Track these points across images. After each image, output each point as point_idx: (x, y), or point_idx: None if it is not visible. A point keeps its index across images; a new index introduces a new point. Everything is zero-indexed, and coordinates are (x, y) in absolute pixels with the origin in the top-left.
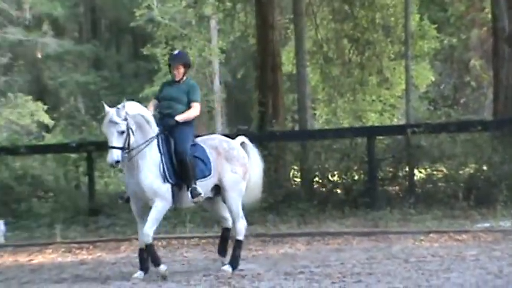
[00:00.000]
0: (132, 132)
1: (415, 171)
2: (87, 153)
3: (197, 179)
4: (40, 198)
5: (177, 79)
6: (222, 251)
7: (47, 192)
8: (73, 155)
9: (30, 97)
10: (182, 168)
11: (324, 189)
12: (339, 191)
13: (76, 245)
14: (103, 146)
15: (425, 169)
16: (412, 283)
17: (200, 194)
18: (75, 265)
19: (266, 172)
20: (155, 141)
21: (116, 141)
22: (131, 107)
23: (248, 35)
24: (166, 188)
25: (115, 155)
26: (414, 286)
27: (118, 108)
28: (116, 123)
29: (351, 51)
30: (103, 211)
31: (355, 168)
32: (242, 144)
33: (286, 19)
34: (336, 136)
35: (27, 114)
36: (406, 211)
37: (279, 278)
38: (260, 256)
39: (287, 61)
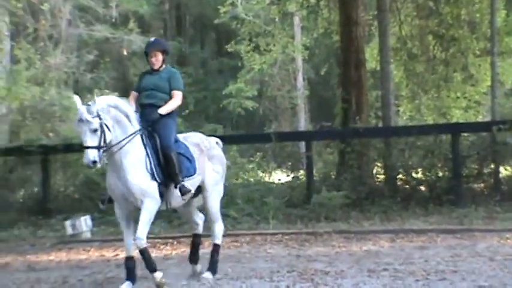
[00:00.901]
0: (108, 128)
1: (501, 168)
2: None
3: (184, 177)
4: None
5: (156, 67)
6: (193, 259)
7: None
8: None
9: (116, 94)
10: (168, 165)
11: (407, 186)
12: (422, 188)
13: (160, 240)
14: None
15: (511, 167)
16: (497, 281)
17: (190, 190)
18: (160, 260)
19: (349, 169)
20: (138, 137)
21: (89, 140)
22: (104, 102)
23: (332, 32)
24: (154, 187)
25: (91, 155)
26: (500, 284)
27: (88, 105)
28: (88, 121)
29: (436, 48)
30: None
31: (440, 165)
32: (217, 143)
33: (370, 15)
34: (419, 133)
35: None
36: (492, 209)
37: (362, 275)
38: (343, 253)
39: (371, 58)
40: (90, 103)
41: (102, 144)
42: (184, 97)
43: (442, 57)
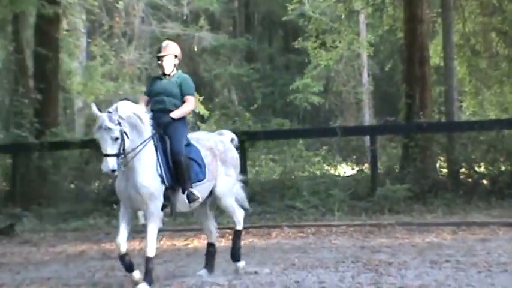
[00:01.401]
0: (127, 135)
1: None
2: (240, 143)
3: (192, 182)
4: None
5: (167, 72)
6: (209, 267)
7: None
8: None
9: None
10: (178, 170)
11: (470, 180)
12: (485, 182)
13: (229, 231)
14: (255, 136)
15: None
16: None
17: (198, 198)
18: (228, 250)
19: (412, 162)
20: (151, 142)
21: (110, 148)
22: (124, 109)
23: (396, 29)
24: (161, 191)
25: (110, 163)
26: None
27: (110, 113)
28: (109, 129)
29: (499, 44)
30: (255, 199)
31: (502, 159)
32: (232, 141)
33: (434, 13)
34: (482, 128)
35: None
36: None
37: (424, 266)
38: (406, 244)
39: (434, 54)
40: (111, 110)
41: (121, 151)
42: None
43: (505, 53)
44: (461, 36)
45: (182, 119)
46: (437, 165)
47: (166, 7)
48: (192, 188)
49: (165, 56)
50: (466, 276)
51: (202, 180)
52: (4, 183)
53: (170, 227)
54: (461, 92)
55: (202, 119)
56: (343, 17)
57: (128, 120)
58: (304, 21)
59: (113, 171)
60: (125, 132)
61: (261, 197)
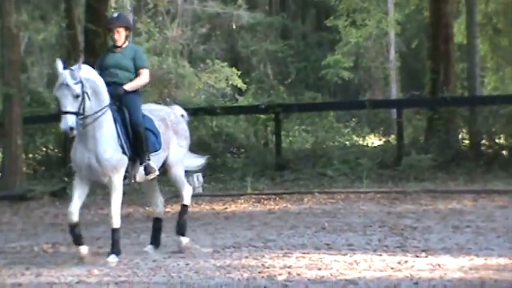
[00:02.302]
0: (88, 96)
1: None
2: (274, 114)
3: (150, 153)
4: (233, 154)
5: (119, 44)
6: (154, 242)
7: (239, 148)
8: (262, 116)
9: (225, 63)
10: (137, 141)
11: (490, 150)
12: (504, 152)
13: (264, 196)
14: (289, 108)
15: None
16: None
17: (154, 171)
18: (264, 214)
19: (436, 134)
20: (109, 111)
21: (70, 105)
22: (87, 70)
23: (422, 8)
24: (124, 162)
25: (69, 120)
26: None
27: (72, 70)
28: (71, 86)
29: None
30: (288, 166)
31: None
32: (182, 116)
33: None
34: (503, 102)
35: (223, 78)
36: None
37: (447, 231)
38: (430, 210)
39: (458, 32)
40: (73, 68)
41: (81, 111)
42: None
43: None
44: (484, 16)
45: (137, 91)
46: (460, 136)
47: None
48: (149, 159)
49: (116, 27)
50: (486, 240)
51: (158, 150)
52: (57, 150)
53: (209, 192)
54: (483, 68)
55: (240, 91)
56: None
57: (89, 82)
58: (336, 1)
59: (71, 128)
60: (86, 93)
61: (294, 165)
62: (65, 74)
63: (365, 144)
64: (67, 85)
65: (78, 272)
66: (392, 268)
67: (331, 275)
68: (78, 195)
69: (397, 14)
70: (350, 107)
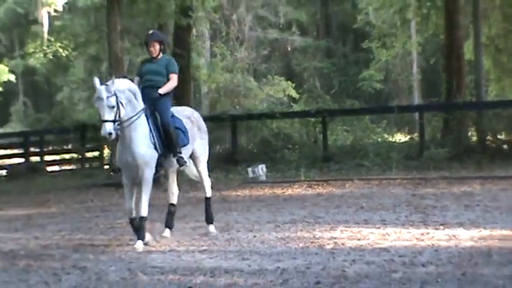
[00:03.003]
0: (123, 105)
1: None
2: (322, 118)
3: (180, 147)
4: (289, 149)
5: (154, 55)
6: (168, 224)
7: (294, 145)
8: (312, 119)
9: (282, 78)
10: (168, 139)
11: (494, 145)
12: (505, 146)
13: (314, 182)
14: (333, 113)
15: None
16: None
17: (186, 162)
18: (314, 196)
19: (451, 132)
20: (143, 115)
21: (107, 115)
22: (120, 83)
23: (439, 33)
24: (155, 158)
25: (107, 127)
26: None
27: (107, 85)
28: (106, 98)
29: None
30: (333, 159)
31: None
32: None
33: (467, 21)
34: (504, 106)
35: (281, 90)
36: None
37: (460, 209)
38: (446, 193)
39: (467, 51)
40: (108, 83)
41: (116, 118)
42: (179, 78)
43: None
44: (487, 38)
45: (168, 94)
46: (469, 134)
47: (268, 18)
48: (181, 153)
49: (151, 42)
50: (492, 216)
51: (186, 144)
52: None
53: (271, 180)
54: (488, 79)
55: (294, 100)
56: (398, 24)
57: (124, 93)
58: (369, 28)
59: (110, 134)
60: (121, 102)
61: (337, 157)
62: (100, 89)
63: (393, 140)
64: (103, 98)
65: (169, 242)
66: (416, 238)
67: (368, 244)
68: (129, 190)
69: (418, 37)
70: (381, 111)
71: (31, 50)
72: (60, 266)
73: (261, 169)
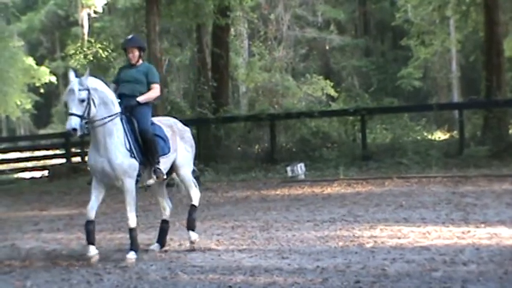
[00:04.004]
0: (94, 103)
1: None
2: (360, 116)
3: (160, 155)
4: (328, 148)
5: (133, 62)
6: (161, 242)
7: (332, 144)
8: (351, 117)
9: (321, 77)
10: (147, 146)
11: None
12: None
13: (353, 181)
14: (372, 111)
15: None
16: None
17: (163, 174)
18: (353, 195)
19: (491, 130)
20: (118, 119)
21: (75, 108)
22: (95, 81)
23: (478, 30)
24: (135, 166)
25: (73, 122)
26: None
27: (80, 79)
28: (78, 91)
29: None
30: (372, 157)
31: None
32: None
33: (507, 17)
34: None
35: (319, 88)
36: None
37: (501, 207)
38: (487, 191)
39: (507, 48)
40: (83, 78)
41: (85, 115)
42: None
43: None
44: None
45: (148, 103)
46: (510, 131)
47: (306, 17)
48: (159, 163)
49: (130, 48)
50: None
51: (167, 153)
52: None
53: (310, 178)
54: None
55: (333, 99)
56: (437, 21)
57: (97, 92)
58: (408, 25)
59: (74, 129)
60: (93, 100)
61: (376, 156)
62: (74, 81)
63: (433, 138)
64: (74, 90)
65: (209, 241)
66: (457, 237)
67: (409, 243)
68: (96, 196)
69: (457, 34)
70: (420, 109)
71: (71, 52)
72: (102, 265)
73: (300, 168)
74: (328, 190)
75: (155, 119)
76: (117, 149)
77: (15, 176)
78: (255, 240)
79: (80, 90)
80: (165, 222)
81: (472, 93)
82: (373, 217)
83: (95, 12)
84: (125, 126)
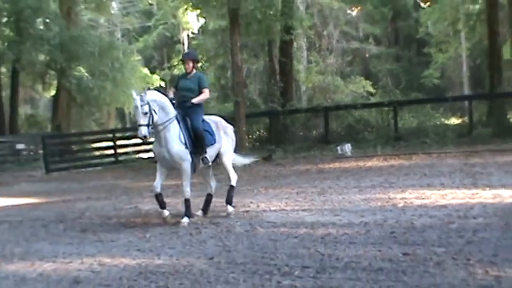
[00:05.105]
0: (155, 112)
1: None
2: (393, 107)
3: (207, 146)
4: (368, 131)
5: (188, 71)
6: (204, 209)
7: (372, 128)
8: (386, 108)
9: (362, 77)
10: (197, 139)
11: None
12: None
13: (388, 156)
14: (402, 103)
15: None
16: None
17: (208, 162)
18: (388, 167)
19: (493, 115)
20: (175, 120)
21: (142, 120)
22: (151, 94)
23: (483, 39)
24: (187, 153)
25: (142, 131)
26: None
27: (141, 95)
28: (141, 106)
29: None
30: (402, 138)
31: None
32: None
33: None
34: None
35: (361, 86)
36: None
37: (503, 175)
38: (491, 162)
39: (505, 52)
40: (142, 94)
41: (150, 123)
42: (212, 88)
43: None
44: None
45: (200, 104)
46: (508, 116)
47: (350, 32)
48: (206, 153)
49: (187, 60)
50: None
51: (213, 143)
52: (265, 133)
53: (355, 155)
54: None
55: (371, 94)
56: (451, 33)
57: (156, 102)
58: (429, 37)
59: (145, 136)
60: (154, 110)
61: (405, 137)
62: (136, 99)
63: (449, 123)
64: (138, 107)
65: (279, 203)
66: (468, 197)
67: (431, 202)
68: (160, 175)
69: (467, 43)
70: (439, 101)
71: (175, 63)
72: (201, 222)
73: (347, 147)
74: (369, 164)
75: (205, 117)
76: (174, 141)
77: (137, 156)
78: (314, 202)
79: (142, 105)
80: (209, 196)
81: (478, 88)
82: (403, 183)
83: (192, 33)
84: (180, 124)
